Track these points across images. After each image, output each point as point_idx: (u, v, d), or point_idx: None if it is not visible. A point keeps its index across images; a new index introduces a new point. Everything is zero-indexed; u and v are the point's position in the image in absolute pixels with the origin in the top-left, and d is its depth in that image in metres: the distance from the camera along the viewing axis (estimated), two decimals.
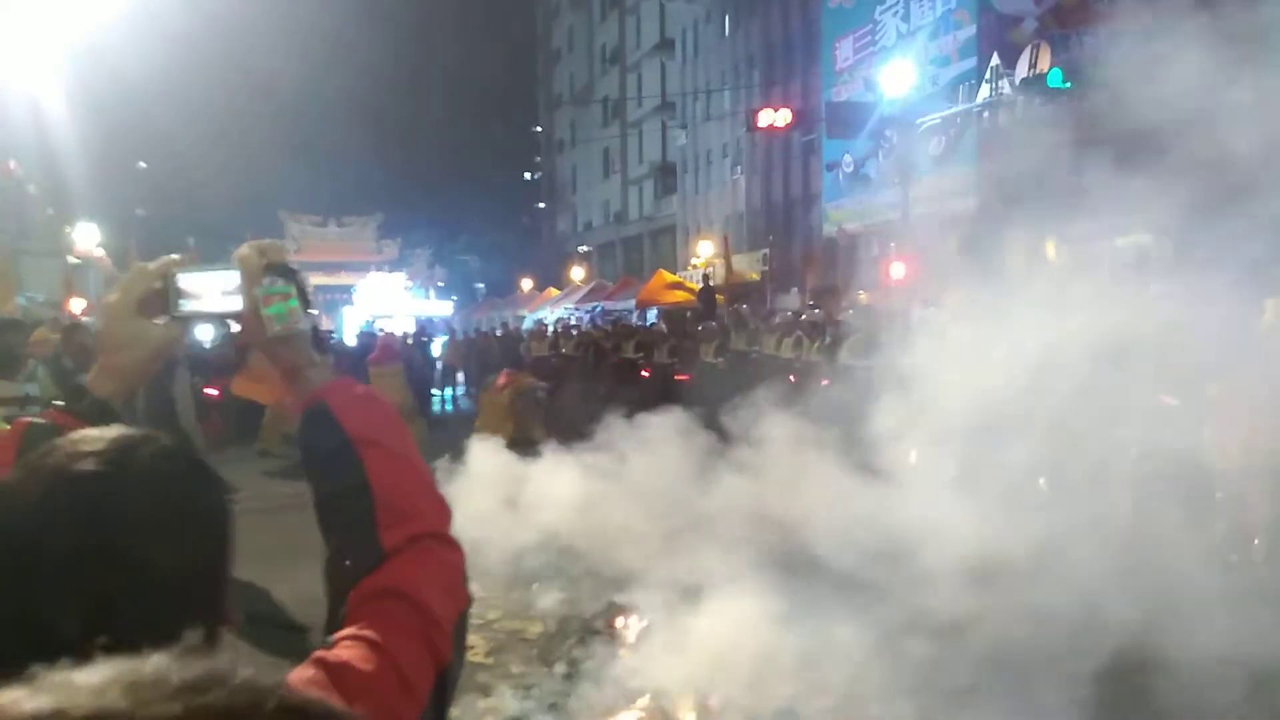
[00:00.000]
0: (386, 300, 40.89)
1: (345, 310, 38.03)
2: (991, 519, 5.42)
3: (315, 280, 51.68)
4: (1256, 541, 7.20)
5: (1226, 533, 6.73)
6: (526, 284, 42.02)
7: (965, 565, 5.19)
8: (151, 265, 1.30)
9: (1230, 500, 6.85)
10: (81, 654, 0.86)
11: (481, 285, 53.13)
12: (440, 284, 48.95)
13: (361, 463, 1.16)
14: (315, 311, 1.31)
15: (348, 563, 1.12)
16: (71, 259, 24.35)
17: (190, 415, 10.07)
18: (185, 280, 1.27)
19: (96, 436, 0.98)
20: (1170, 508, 5.42)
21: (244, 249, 1.26)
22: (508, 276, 47.83)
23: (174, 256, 1.31)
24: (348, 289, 41.67)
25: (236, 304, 1.25)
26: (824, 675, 4.55)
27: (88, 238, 24.70)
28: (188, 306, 1.27)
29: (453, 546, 1.18)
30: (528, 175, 65.23)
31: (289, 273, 1.25)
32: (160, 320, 1.28)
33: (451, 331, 28.01)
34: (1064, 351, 5.34)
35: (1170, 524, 5.36)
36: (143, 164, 27.84)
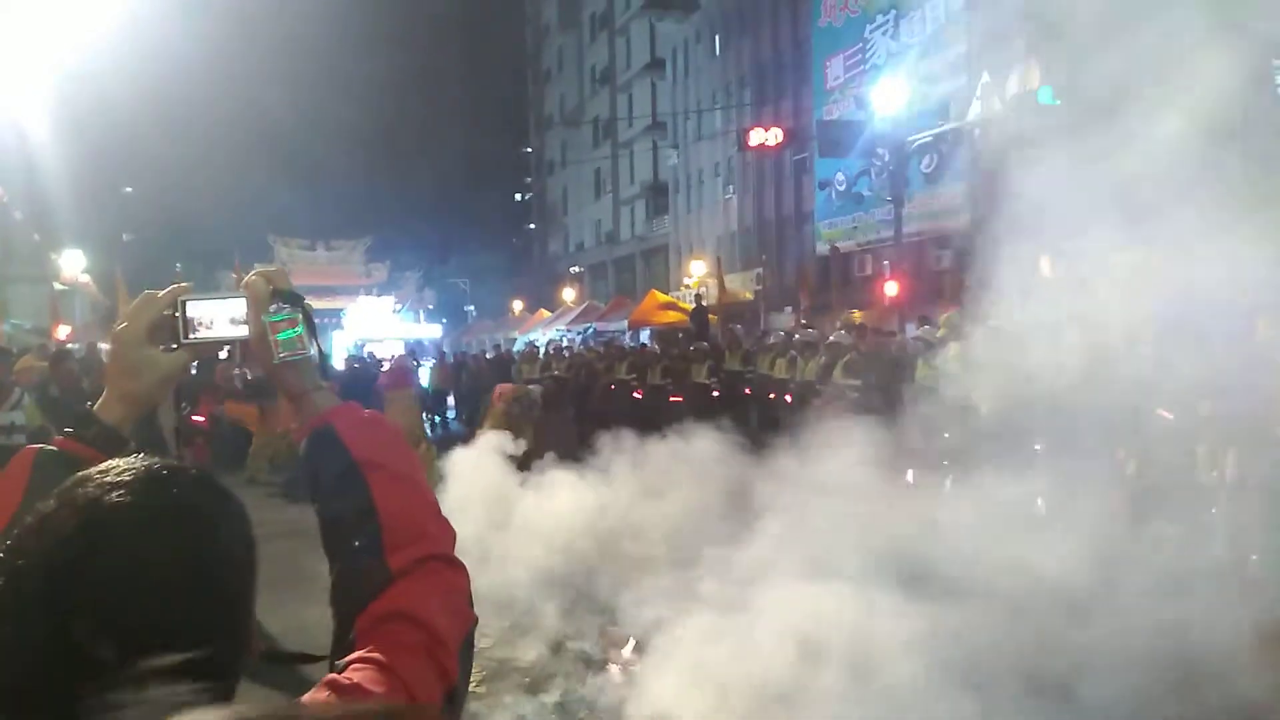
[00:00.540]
0: (375, 324, 40.90)
1: (334, 334, 38.03)
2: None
3: None
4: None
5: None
6: (517, 306, 42.07)
7: (979, 587, 5.16)
8: (161, 293, 1.33)
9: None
10: (117, 681, 0.88)
11: (472, 308, 53.16)
12: (430, 307, 48.97)
13: (368, 485, 1.18)
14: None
15: (354, 586, 1.14)
16: (58, 285, 24.31)
17: (174, 442, 10.06)
18: (194, 308, 1.30)
19: (126, 467, 0.99)
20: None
21: (251, 276, 1.30)
22: (498, 298, 47.89)
23: (183, 284, 1.34)
24: (337, 313, 41.67)
25: (244, 331, 1.29)
26: (821, 701, 4.54)
27: (73, 264, 24.68)
28: (196, 334, 1.30)
29: (458, 568, 1.21)
30: (518, 196, 65.44)
31: (295, 299, 1.29)
32: (169, 348, 1.31)
33: (441, 354, 28.03)
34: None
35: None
36: (129, 189, 27.83)
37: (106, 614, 0.91)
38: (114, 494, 0.96)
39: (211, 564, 0.98)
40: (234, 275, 45.93)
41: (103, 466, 1.00)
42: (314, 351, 1.29)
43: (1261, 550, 6.65)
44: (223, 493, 1.04)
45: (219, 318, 1.30)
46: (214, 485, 1.04)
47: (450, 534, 1.24)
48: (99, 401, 1.30)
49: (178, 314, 1.30)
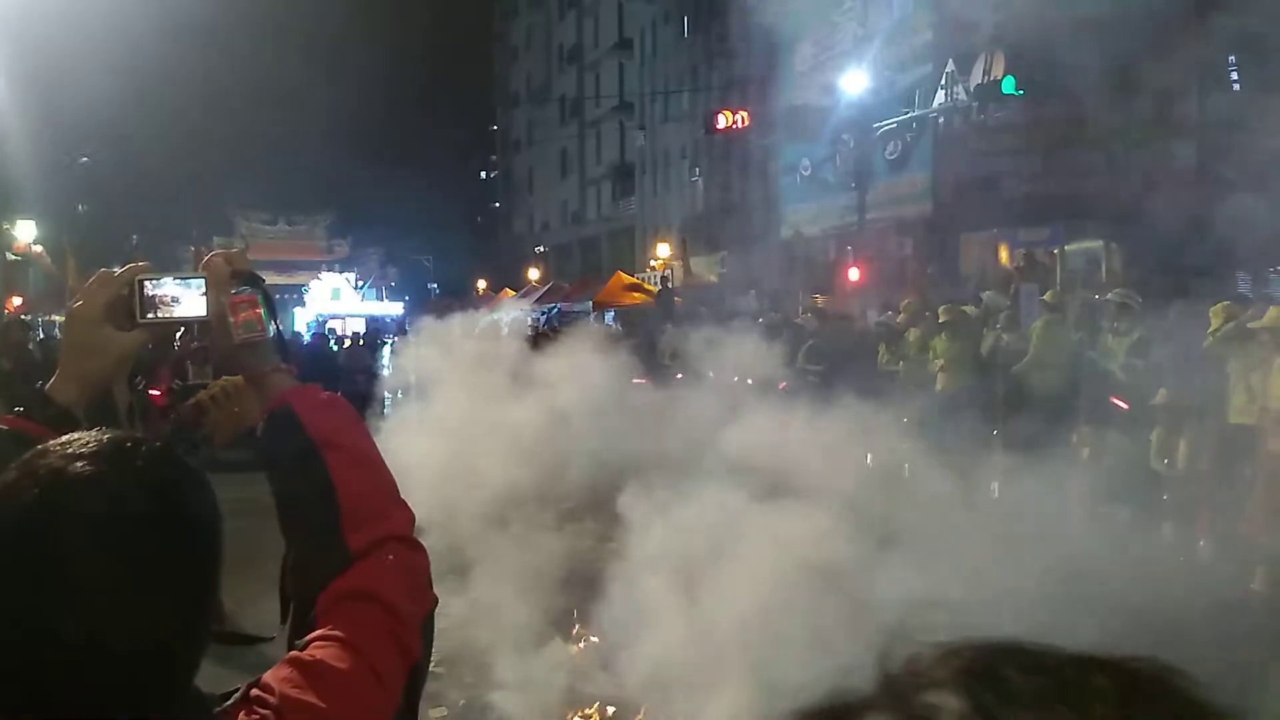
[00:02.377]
0: (337, 300, 40.47)
1: (295, 310, 37.60)
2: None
3: (264, 279, 50.95)
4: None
5: None
6: (482, 284, 41.83)
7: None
8: (118, 272, 1.31)
9: None
10: (82, 656, 0.88)
11: (435, 285, 52.74)
12: (392, 284, 48.54)
13: (327, 466, 1.18)
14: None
15: (313, 567, 1.14)
16: (10, 256, 23.78)
17: (131, 416, 9.88)
18: (151, 287, 1.29)
19: (90, 439, 0.98)
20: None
21: (212, 256, 1.30)
22: (463, 277, 47.56)
23: (140, 263, 1.33)
24: (298, 288, 41.21)
25: (202, 311, 1.28)
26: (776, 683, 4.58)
27: (25, 234, 24.14)
28: (154, 314, 1.29)
29: (417, 549, 1.21)
30: (484, 174, 64.93)
31: (255, 280, 1.30)
32: (125, 327, 1.29)
33: (403, 332, 27.73)
34: None
35: None
36: (84, 159, 27.22)
37: (70, 587, 0.90)
38: (76, 464, 0.94)
39: (175, 535, 0.96)
40: (191, 250, 45.23)
41: (63, 439, 0.98)
42: (273, 332, 1.29)
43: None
44: (185, 464, 1.03)
45: (177, 297, 1.29)
46: (176, 457, 1.02)
47: (409, 515, 1.24)
48: (52, 380, 1.28)
49: (135, 293, 1.28)
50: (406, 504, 1.25)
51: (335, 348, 21.97)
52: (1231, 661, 5.04)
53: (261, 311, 1.28)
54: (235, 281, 1.28)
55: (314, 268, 44.21)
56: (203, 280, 1.28)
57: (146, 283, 1.29)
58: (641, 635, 4.72)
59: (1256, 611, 6.67)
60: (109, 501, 0.93)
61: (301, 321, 34.63)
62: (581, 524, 6.64)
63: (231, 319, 1.25)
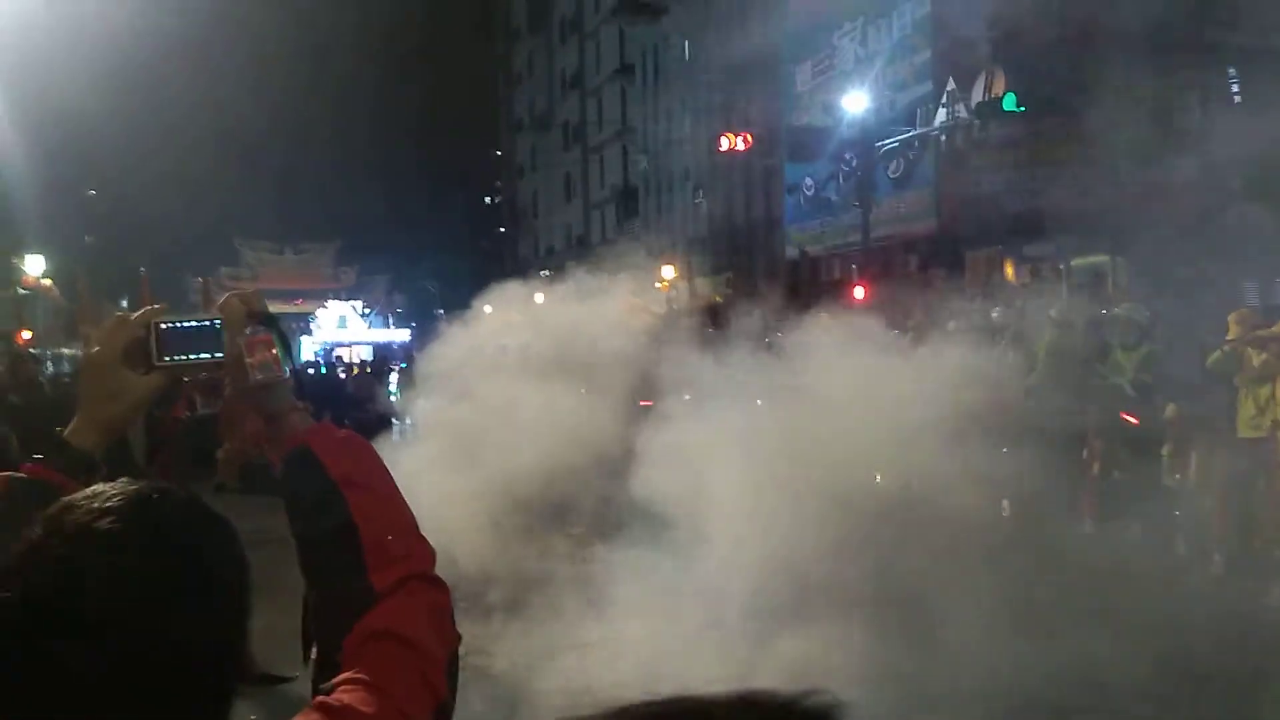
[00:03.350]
0: (344, 328, 40.56)
1: (303, 339, 37.72)
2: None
3: (271, 308, 51.17)
4: None
5: None
6: (488, 309, 41.85)
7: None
8: (134, 315, 1.31)
9: None
10: (112, 711, 0.89)
11: (442, 311, 52.85)
12: (399, 310, 48.67)
13: (348, 505, 1.17)
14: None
15: (337, 608, 1.13)
16: (20, 290, 23.92)
17: (141, 447, 9.90)
18: (168, 330, 1.28)
19: (114, 492, 0.98)
20: None
21: (228, 298, 1.29)
22: (469, 302, 47.57)
23: (155, 306, 1.32)
24: (305, 317, 41.37)
25: (219, 352, 1.27)
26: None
27: (35, 268, 24.29)
28: (171, 356, 1.28)
29: (441, 587, 1.21)
30: (488, 200, 65.22)
31: (271, 321, 1.29)
32: (143, 371, 1.29)
33: (410, 359, 27.75)
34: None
35: None
36: (92, 191, 27.41)
37: (99, 642, 0.90)
38: (103, 520, 0.94)
39: (204, 588, 0.96)
40: (199, 281, 45.35)
41: (88, 492, 0.98)
42: (289, 373, 1.28)
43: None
44: (212, 515, 1.03)
45: (194, 339, 1.29)
46: (202, 508, 1.03)
47: (431, 552, 1.23)
48: (71, 426, 1.28)
49: (151, 336, 1.28)
50: (427, 541, 1.25)
51: (343, 375, 22.00)
52: (1248, 676, 5.00)
53: (278, 352, 1.27)
54: (251, 322, 1.27)
55: (321, 296, 44.39)
56: (219, 322, 1.27)
57: (162, 325, 1.28)
58: None
59: (1274, 625, 6.61)
60: (137, 558, 0.93)
61: (308, 350, 34.73)
62: None
63: (248, 360, 1.24)
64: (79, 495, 0.98)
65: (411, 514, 1.25)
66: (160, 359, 1.28)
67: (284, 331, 1.30)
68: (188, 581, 0.95)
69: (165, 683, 0.91)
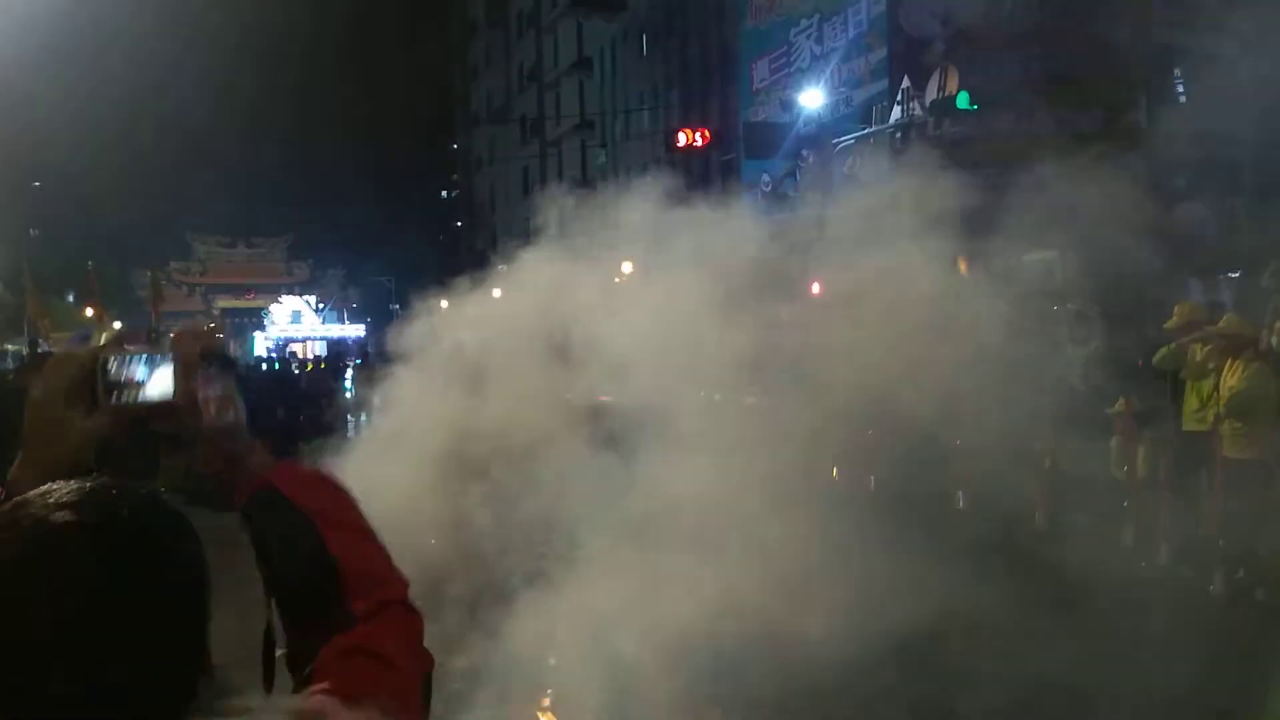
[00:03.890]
0: (298, 323, 40.09)
1: (256, 334, 37.22)
2: None
3: (223, 303, 50.42)
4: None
5: None
6: (445, 304, 41.59)
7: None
8: (79, 352, 1.26)
9: None
10: (69, 708, 0.87)
11: (397, 306, 52.41)
12: (354, 305, 48.19)
13: (323, 540, 1.16)
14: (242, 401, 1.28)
15: (312, 630, 1.14)
16: None
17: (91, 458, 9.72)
18: (115, 368, 1.22)
19: (71, 488, 0.96)
20: None
21: (179, 334, 1.26)
22: (425, 296, 47.19)
23: (102, 344, 1.29)
24: (257, 311, 40.82)
25: (169, 393, 1.22)
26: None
27: None
28: (118, 396, 1.22)
29: (415, 614, 1.22)
30: (445, 193, 64.76)
31: (225, 360, 1.25)
32: (87, 412, 1.23)
33: (365, 354, 27.43)
34: None
35: None
36: (37, 183, 26.82)
37: (55, 638, 0.88)
38: (59, 514, 0.93)
39: (163, 585, 0.95)
40: (147, 274, 44.51)
41: (43, 489, 0.96)
42: (244, 413, 1.25)
43: None
44: (172, 511, 1.02)
45: (143, 378, 1.22)
46: (162, 504, 1.01)
47: (404, 581, 1.24)
48: (12, 467, 1.23)
49: (97, 375, 1.22)
50: (400, 571, 1.26)
51: (298, 371, 21.74)
52: (1195, 663, 5.12)
53: (232, 391, 1.23)
54: (204, 362, 1.22)
55: (274, 290, 43.84)
56: (170, 360, 1.22)
57: (109, 364, 1.22)
58: None
59: (1215, 613, 6.79)
60: (95, 554, 0.92)
61: (261, 345, 34.28)
62: None
63: (202, 401, 1.20)
64: (36, 491, 0.96)
65: (383, 544, 1.25)
66: (108, 399, 1.21)
67: (240, 370, 1.29)
68: (147, 578, 0.94)
69: (125, 681, 0.90)
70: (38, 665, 0.88)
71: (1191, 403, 7.97)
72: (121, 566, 0.92)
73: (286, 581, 1.17)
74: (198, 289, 47.22)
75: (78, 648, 0.88)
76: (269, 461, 1.25)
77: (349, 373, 19.20)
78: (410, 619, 1.20)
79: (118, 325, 31.74)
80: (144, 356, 1.23)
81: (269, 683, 1.19)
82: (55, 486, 0.97)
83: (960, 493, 7.29)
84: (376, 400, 5.96)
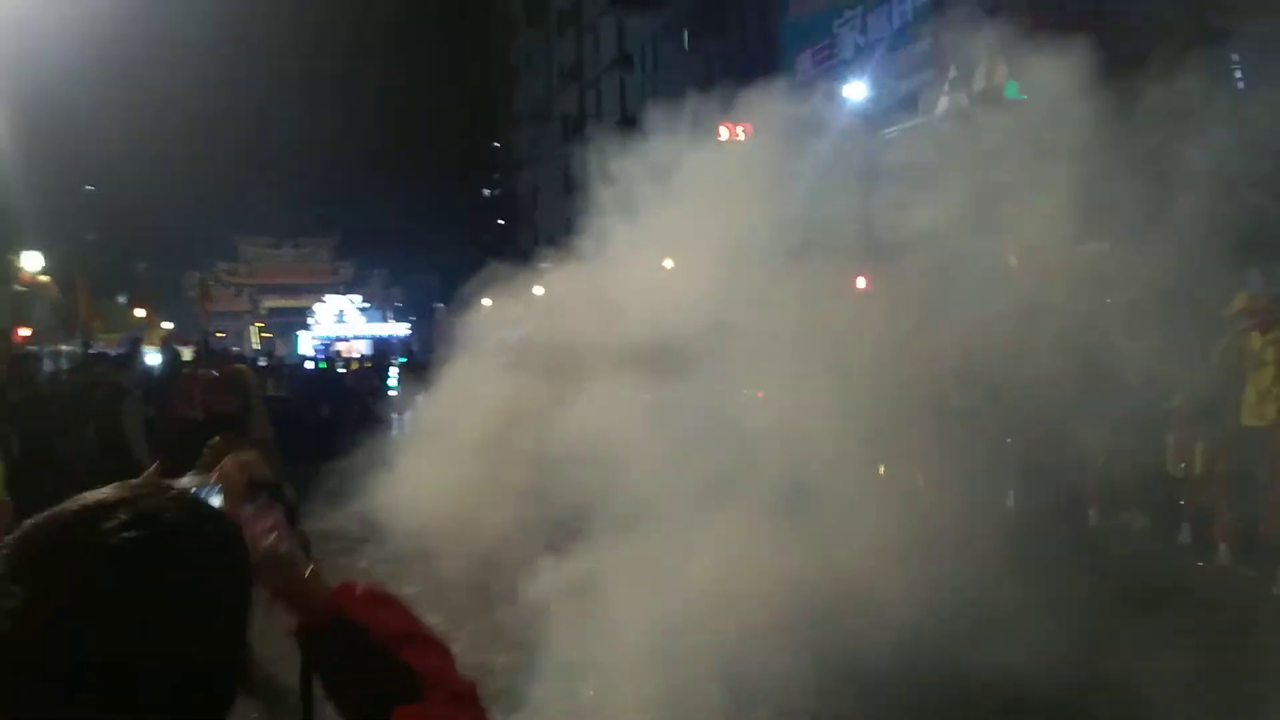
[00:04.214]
0: (342, 322, 40.57)
1: (300, 334, 37.75)
2: None
3: (269, 303, 51.22)
4: None
5: None
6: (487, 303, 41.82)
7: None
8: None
9: None
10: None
11: (441, 305, 52.86)
12: (398, 304, 48.65)
13: (404, 660, 1.18)
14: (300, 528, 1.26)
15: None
16: (17, 287, 23.93)
17: (142, 446, 9.91)
18: None
19: (123, 497, 0.97)
20: None
21: (225, 464, 1.23)
22: (468, 295, 47.47)
23: (148, 472, 1.27)
24: (303, 311, 41.40)
25: None
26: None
27: (32, 265, 24.31)
28: None
29: (481, 709, 1.26)
30: (486, 192, 65.17)
31: (275, 489, 1.22)
32: None
33: (410, 353, 27.75)
34: None
35: None
36: (89, 187, 27.43)
37: (91, 648, 0.89)
38: (111, 523, 0.94)
39: (212, 598, 0.97)
40: (197, 276, 45.27)
41: (96, 497, 0.98)
42: (297, 543, 1.22)
43: None
44: (213, 516, 1.03)
45: None
46: (203, 508, 1.03)
47: (471, 684, 1.27)
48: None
49: None
50: (463, 674, 1.28)
51: (342, 370, 21.99)
52: (1255, 664, 5.01)
53: (282, 521, 1.20)
54: (251, 490, 1.19)
55: (319, 290, 44.38)
56: (215, 490, 1.19)
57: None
58: None
59: (1277, 614, 6.63)
60: (148, 567, 0.94)
61: (306, 344, 34.76)
62: None
63: (250, 534, 1.16)
64: (87, 499, 0.97)
65: (448, 648, 1.27)
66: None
67: (290, 498, 1.23)
68: (197, 592, 0.95)
69: (167, 693, 0.91)
70: (65, 674, 0.89)
71: (1250, 396, 7.79)
72: (173, 580, 0.94)
73: (364, 703, 1.17)
74: (245, 289, 48.02)
75: (124, 660, 0.90)
76: (322, 585, 1.22)
77: (394, 371, 19.39)
78: (476, 710, 1.23)
79: (168, 326, 32.38)
80: (193, 486, 1.20)
81: (309, 716, 1.22)
82: (109, 495, 0.98)
83: (1011, 489, 7.19)
84: (431, 394, 5.96)
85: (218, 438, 1.27)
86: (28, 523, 0.96)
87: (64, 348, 21.04)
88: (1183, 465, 8.41)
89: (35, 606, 0.90)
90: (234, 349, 30.14)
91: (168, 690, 0.91)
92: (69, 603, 0.90)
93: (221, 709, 0.98)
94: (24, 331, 20.03)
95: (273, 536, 1.18)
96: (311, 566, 1.22)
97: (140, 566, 0.93)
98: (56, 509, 0.97)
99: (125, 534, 0.93)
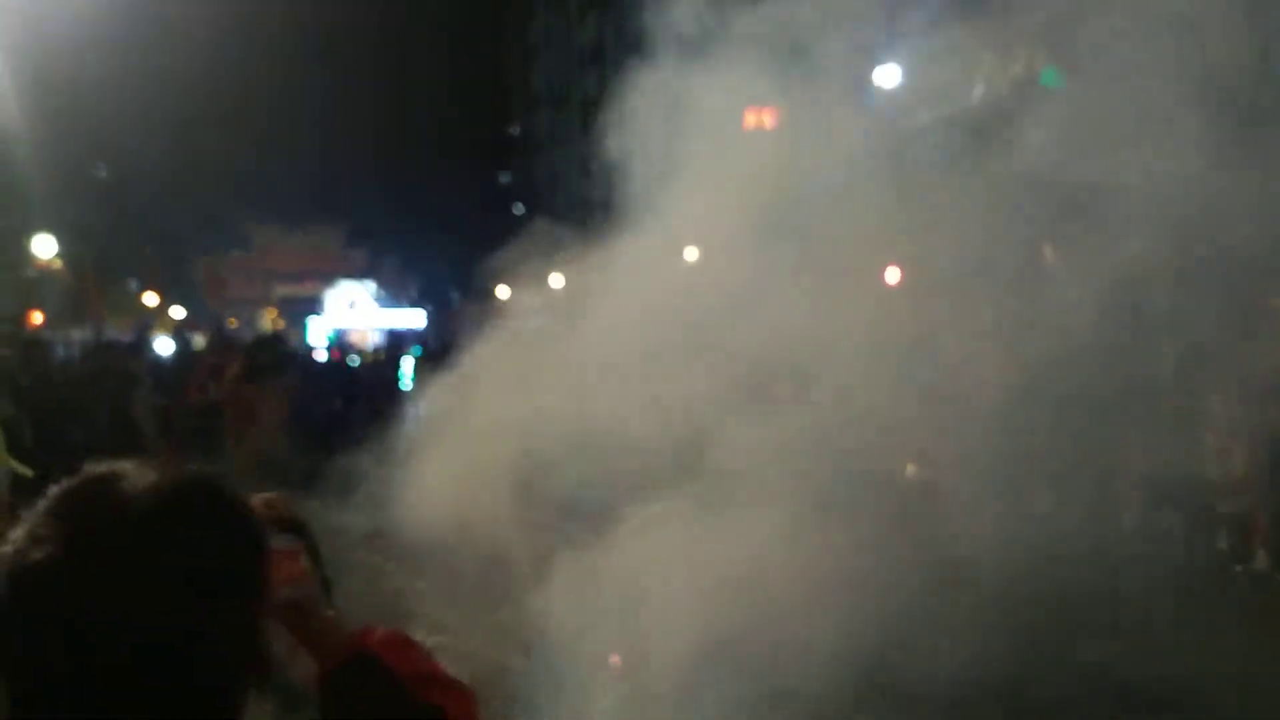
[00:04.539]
0: (355, 311, 40.69)
1: (310, 320, 37.91)
2: None
3: (281, 290, 51.46)
4: None
5: None
6: (504, 291, 41.85)
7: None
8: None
9: None
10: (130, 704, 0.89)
11: (456, 294, 53.02)
12: (412, 292, 48.78)
13: (429, 701, 1.18)
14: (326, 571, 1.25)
15: None
16: (30, 272, 24.16)
17: (153, 434, 9.97)
18: None
19: (151, 480, 0.96)
20: None
21: (253, 503, 1.23)
22: (484, 283, 47.55)
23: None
24: (314, 298, 41.57)
25: None
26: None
27: (45, 249, 24.51)
28: None
29: None
30: (504, 178, 65.27)
31: (299, 528, 1.21)
32: None
33: (425, 344, 27.70)
34: None
35: None
36: (101, 172, 27.63)
37: (92, 631, 0.88)
38: (143, 503, 0.94)
39: (235, 584, 0.97)
40: (204, 261, 45.47)
41: (122, 474, 0.97)
42: (319, 585, 1.22)
43: None
44: (246, 506, 1.03)
45: None
46: (237, 499, 1.02)
47: None
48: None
49: None
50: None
51: (353, 362, 22.01)
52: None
53: (306, 564, 1.19)
54: (276, 530, 1.17)
55: (331, 277, 44.53)
56: None
57: None
58: None
59: None
60: (176, 550, 0.94)
61: (317, 332, 34.91)
62: None
63: (274, 576, 1.14)
64: (112, 474, 0.96)
65: (467, 686, 1.27)
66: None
67: (313, 537, 1.22)
68: (222, 577, 0.95)
69: (187, 680, 0.91)
70: (61, 660, 0.88)
71: None
72: (200, 563, 0.94)
73: None
74: (257, 276, 48.28)
75: (148, 643, 0.89)
76: (343, 629, 1.22)
77: (409, 363, 19.41)
78: None
79: (179, 312, 32.59)
80: None
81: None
82: (136, 474, 0.97)
83: (1042, 493, 7.13)
84: (446, 387, 5.94)
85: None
86: (63, 483, 0.97)
87: (76, 334, 21.23)
88: (1222, 470, 8.33)
89: (64, 561, 0.90)
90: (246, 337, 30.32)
91: (190, 678, 0.91)
92: (105, 583, 0.89)
93: (233, 704, 0.97)
94: (37, 317, 20.20)
95: (296, 577, 1.17)
96: (333, 610, 1.21)
97: (176, 550, 0.93)
98: (83, 472, 0.97)
99: (145, 498, 0.94)
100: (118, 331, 21.02)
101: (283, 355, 7.78)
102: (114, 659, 0.88)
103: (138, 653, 0.89)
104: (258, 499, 1.22)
